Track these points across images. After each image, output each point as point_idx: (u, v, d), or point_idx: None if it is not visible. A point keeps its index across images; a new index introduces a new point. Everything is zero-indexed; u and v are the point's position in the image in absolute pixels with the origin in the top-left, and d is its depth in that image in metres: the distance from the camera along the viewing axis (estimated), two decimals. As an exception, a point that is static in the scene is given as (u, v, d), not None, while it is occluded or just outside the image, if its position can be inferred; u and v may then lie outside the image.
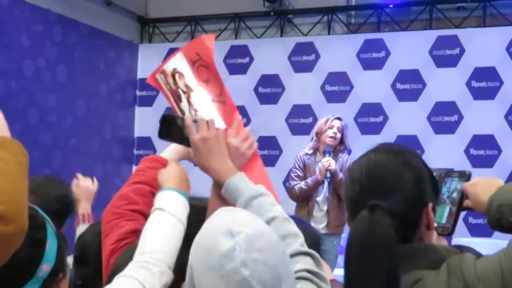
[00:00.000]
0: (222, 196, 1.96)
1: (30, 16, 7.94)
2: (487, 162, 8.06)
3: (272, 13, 9.35)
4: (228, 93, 2.35)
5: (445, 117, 8.38)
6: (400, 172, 1.79)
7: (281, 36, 9.38)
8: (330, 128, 6.46)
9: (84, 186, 3.84)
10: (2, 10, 7.57)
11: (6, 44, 7.61)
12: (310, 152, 6.52)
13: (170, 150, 2.53)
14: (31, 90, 7.90)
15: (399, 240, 1.67)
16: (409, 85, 8.55)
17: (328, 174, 6.28)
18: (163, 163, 2.45)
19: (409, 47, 8.56)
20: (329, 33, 9.15)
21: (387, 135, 8.28)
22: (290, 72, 9.07)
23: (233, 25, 9.57)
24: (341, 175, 6.25)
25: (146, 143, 9.57)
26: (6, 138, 1.54)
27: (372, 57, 8.75)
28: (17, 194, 1.45)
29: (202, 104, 2.32)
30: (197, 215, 2.04)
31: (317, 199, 6.45)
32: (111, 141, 9.35)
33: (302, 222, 1.96)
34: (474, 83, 8.28)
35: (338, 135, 6.46)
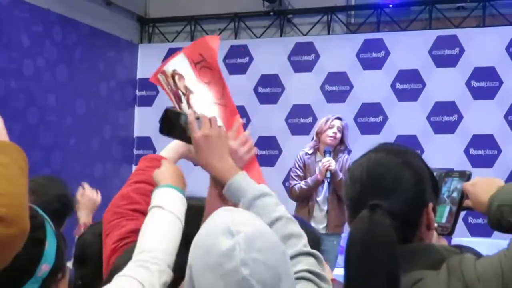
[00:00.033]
0: (221, 195, 1.94)
1: (30, 16, 7.94)
2: (487, 162, 8.06)
3: (271, 13, 9.35)
4: (230, 96, 2.33)
5: (444, 117, 8.38)
6: (400, 172, 1.80)
7: (281, 36, 9.38)
8: (330, 127, 6.46)
9: (88, 196, 3.87)
10: (2, 10, 7.57)
11: (6, 44, 7.61)
12: (310, 151, 6.52)
13: (169, 149, 2.53)
14: (31, 90, 7.90)
15: (399, 240, 1.67)
16: (408, 85, 8.55)
17: (328, 174, 6.28)
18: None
19: (409, 47, 8.56)
20: (328, 33, 9.15)
21: (387, 135, 8.28)
22: (290, 72, 9.07)
23: (233, 25, 9.57)
24: (341, 175, 6.25)
25: (145, 143, 9.57)
26: (6, 142, 1.54)
27: (371, 57, 8.75)
28: (18, 197, 1.45)
29: (201, 106, 2.28)
30: (196, 215, 2.04)
31: (317, 199, 6.44)
32: (111, 141, 9.35)
33: (302, 222, 1.96)
34: (474, 83, 8.28)
35: (338, 135, 6.46)
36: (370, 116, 8.65)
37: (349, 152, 6.68)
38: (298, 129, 8.82)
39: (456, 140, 8.27)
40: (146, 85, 9.74)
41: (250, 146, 2.15)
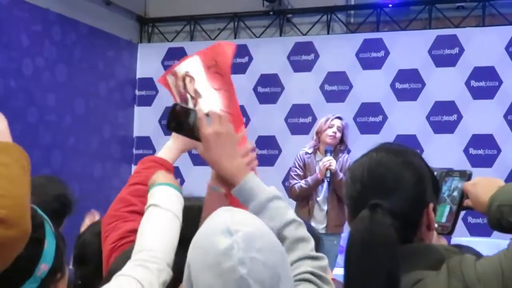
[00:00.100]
0: (227, 194, 1.93)
1: (30, 16, 7.94)
2: (486, 161, 8.06)
3: (271, 13, 9.35)
4: (238, 105, 2.31)
5: (444, 117, 8.38)
6: (401, 172, 1.79)
7: (280, 35, 9.38)
8: (330, 127, 6.46)
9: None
10: (2, 10, 7.57)
11: (6, 43, 7.60)
12: (310, 151, 6.52)
13: (166, 148, 2.53)
14: (30, 90, 7.90)
15: (400, 240, 1.67)
16: (408, 84, 8.55)
17: (328, 174, 6.28)
18: (160, 163, 2.46)
19: (408, 47, 8.56)
20: (328, 33, 9.15)
21: (386, 135, 8.28)
22: (289, 72, 9.07)
23: (232, 25, 9.57)
24: (341, 175, 6.25)
25: (145, 143, 9.57)
26: (8, 143, 1.54)
27: (371, 57, 8.75)
28: (19, 198, 1.45)
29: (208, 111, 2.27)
30: (195, 214, 2.04)
31: (317, 199, 6.44)
32: (110, 140, 9.35)
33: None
34: (474, 83, 8.29)
35: (338, 134, 6.45)
36: (370, 116, 8.65)
37: (348, 152, 6.69)
38: (297, 129, 8.82)
39: (456, 139, 8.27)
40: (146, 84, 9.75)
41: (251, 158, 2.11)
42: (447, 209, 1.99)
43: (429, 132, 8.39)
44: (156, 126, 9.57)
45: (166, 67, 9.52)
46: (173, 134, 2.53)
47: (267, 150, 8.78)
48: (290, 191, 6.49)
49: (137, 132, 9.78)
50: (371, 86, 8.64)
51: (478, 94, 8.23)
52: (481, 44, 8.26)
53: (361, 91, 8.70)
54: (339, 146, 6.50)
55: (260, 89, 9.16)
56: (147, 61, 9.79)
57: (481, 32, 8.39)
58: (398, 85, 8.58)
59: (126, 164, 9.44)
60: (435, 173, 1.92)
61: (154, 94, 9.70)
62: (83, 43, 8.78)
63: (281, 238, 1.76)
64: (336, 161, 6.35)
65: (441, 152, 7.86)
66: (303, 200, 6.44)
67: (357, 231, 1.69)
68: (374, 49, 8.74)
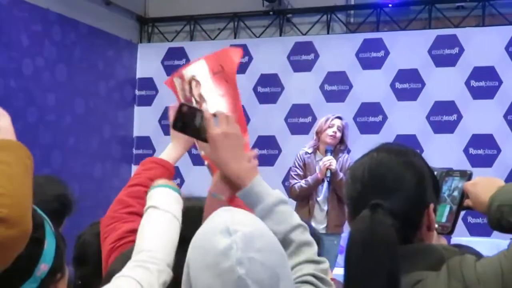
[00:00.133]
0: (232, 196, 1.91)
1: (30, 16, 7.93)
2: (486, 161, 8.06)
3: (271, 13, 9.34)
4: (242, 112, 2.30)
5: (444, 117, 8.38)
6: (402, 172, 1.79)
7: (280, 35, 9.38)
8: (330, 127, 6.46)
9: None
10: (2, 10, 7.57)
11: (5, 43, 7.60)
12: (310, 151, 6.52)
13: (169, 149, 2.53)
14: (30, 90, 7.89)
15: (400, 241, 1.67)
16: (408, 84, 8.55)
17: (328, 173, 6.27)
18: (160, 164, 2.47)
19: (408, 47, 8.56)
20: (328, 33, 9.14)
21: (386, 135, 8.28)
22: (289, 72, 9.07)
23: (232, 25, 9.57)
24: (341, 175, 6.24)
25: (145, 143, 9.57)
26: (11, 141, 1.54)
27: (371, 57, 8.75)
28: (21, 197, 1.44)
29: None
30: (196, 215, 2.03)
31: (318, 199, 6.43)
32: (110, 140, 9.34)
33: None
34: (473, 83, 8.28)
35: (338, 134, 6.45)
36: (370, 116, 8.65)
37: (348, 152, 6.69)
38: (297, 129, 8.82)
39: (456, 139, 8.27)
40: (146, 84, 9.75)
41: (254, 165, 2.10)
42: (447, 209, 1.99)
43: (429, 132, 8.39)
44: (156, 126, 9.57)
45: (166, 67, 9.54)
46: (172, 134, 2.53)
47: (267, 150, 8.78)
48: (290, 191, 6.48)
49: (137, 132, 9.78)
50: (371, 86, 8.64)
51: (478, 94, 8.23)
52: (481, 44, 8.26)
53: (361, 91, 8.69)
54: (339, 146, 6.50)
55: (260, 89, 9.15)
56: (147, 61, 9.79)
57: (481, 32, 8.39)
58: (398, 85, 8.58)
59: (126, 164, 9.44)
60: (435, 173, 1.92)
61: (154, 94, 9.70)
62: (83, 43, 8.78)
63: (287, 241, 1.77)
64: (336, 161, 6.34)
65: (441, 152, 7.86)
66: (303, 200, 6.43)
67: (357, 231, 1.69)
68: (374, 49, 8.73)
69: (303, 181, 6.40)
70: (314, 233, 1.98)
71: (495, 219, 1.79)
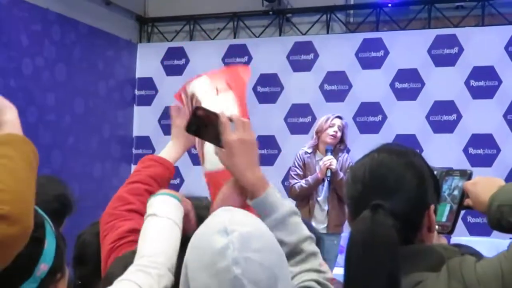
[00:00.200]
0: (244, 203, 1.88)
1: (29, 15, 7.93)
2: (486, 161, 8.06)
3: (270, 12, 9.35)
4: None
5: (443, 116, 8.38)
6: (403, 173, 1.79)
7: (280, 35, 9.38)
8: (330, 126, 6.44)
9: None
10: (1, 9, 7.57)
11: (5, 43, 7.60)
12: (310, 150, 6.50)
13: (170, 147, 2.53)
14: (30, 89, 7.89)
15: (400, 241, 1.66)
16: (407, 84, 8.55)
17: (329, 173, 6.26)
18: (160, 162, 2.46)
19: (408, 46, 8.56)
20: (327, 32, 9.14)
21: (386, 135, 8.28)
22: (289, 71, 9.07)
23: (232, 24, 9.57)
24: (341, 174, 6.24)
25: (144, 142, 9.57)
26: (16, 135, 1.53)
27: (370, 56, 8.75)
28: (23, 193, 1.44)
29: None
30: (196, 214, 2.04)
31: (318, 198, 6.42)
32: (110, 140, 9.34)
33: (303, 222, 1.95)
34: (473, 82, 8.28)
35: (339, 134, 6.45)
36: (369, 116, 8.65)
37: (348, 151, 6.68)
38: (297, 129, 8.82)
39: (455, 139, 8.27)
40: (145, 84, 9.75)
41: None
42: (448, 208, 1.98)
43: (428, 131, 8.39)
44: (155, 125, 9.57)
45: (165, 67, 9.55)
46: (173, 133, 2.53)
47: (267, 150, 8.78)
48: (290, 191, 6.47)
49: (137, 131, 9.78)
50: (370, 85, 8.64)
51: (478, 93, 8.23)
52: (481, 43, 8.26)
53: (360, 90, 8.70)
54: (339, 145, 6.49)
55: (259, 88, 9.15)
56: (147, 61, 9.79)
57: (481, 32, 8.39)
58: (397, 85, 8.58)
59: (125, 163, 9.44)
60: (435, 172, 1.92)
61: (153, 94, 9.70)
62: (82, 42, 8.78)
63: (298, 250, 1.78)
64: (336, 161, 6.33)
65: (441, 152, 7.86)
66: (303, 199, 6.42)
67: (358, 232, 1.68)
68: (374, 49, 8.73)
69: (303, 181, 6.39)
70: (314, 233, 1.97)
71: (495, 219, 1.79)
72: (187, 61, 9.55)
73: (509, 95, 8.09)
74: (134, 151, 9.68)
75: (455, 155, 8.04)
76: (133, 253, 2.04)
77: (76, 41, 8.67)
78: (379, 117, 8.62)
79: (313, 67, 8.97)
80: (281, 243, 1.71)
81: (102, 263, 2.30)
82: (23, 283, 1.62)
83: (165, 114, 9.54)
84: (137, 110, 9.82)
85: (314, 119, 8.33)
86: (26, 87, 7.84)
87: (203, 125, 1.88)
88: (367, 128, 8.52)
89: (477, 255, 1.79)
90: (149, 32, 10.06)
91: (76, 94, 8.67)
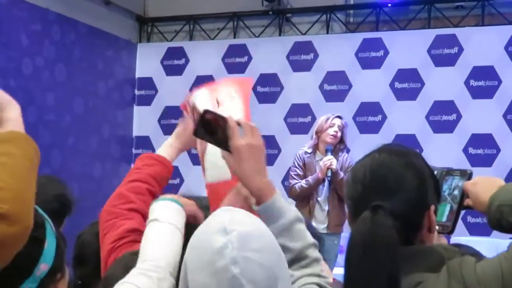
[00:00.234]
0: (249, 207, 1.87)
1: (29, 15, 7.93)
2: (486, 161, 8.06)
3: (270, 12, 9.34)
4: None
5: (443, 116, 8.38)
6: (403, 173, 1.79)
7: (280, 35, 9.38)
8: (331, 126, 6.43)
9: None
10: (1, 9, 7.57)
11: (5, 43, 7.60)
12: (310, 150, 6.49)
13: (166, 146, 2.53)
14: (29, 89, 7.89)
15: (401, 242, 1.66)
16: (407, 84, 8.55)
17: (329, 173, 6.25)
18: (159, 161, 2.46)
19: (408, 46, 8.56)
20: (327, 32, 9.14)
21: (386, 134, 8.28)
22: (289, 71, 9.07)
23: (232, 24, 9.57)
24: (342, 174, 6.23)
25: (144, 142, 9.56)
26: (17, 132, 1.53)
27: (370, 56, 8.75)
28: (23, 192, 1.43)
29: (212, 149, 2.12)
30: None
31: (318, 198, 6.41)
32: (110, 140, 9.34)
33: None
34: (473, 82, 8.28)
35: (339, 134, 6.44)
36: (369, 116, 8.65)
37: (348, 151, 6.68)
38: (297, 128, 8.82)
39: (455, 139, 8.27)
40: (145, 84, 9.75)
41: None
42: (448, 208, 1.98)
43: (428, 131, 8.39)
44: (155, 125, 9.57)
45: (165, 67, 9.55)
46: (175, 132, 2.53)
47: (266, 150, 8.70)
48: (290, 191, 6.45)
49: (137, 131, 9.78)
50: (370, 85, 8.64)
51: (478, 93, 8.23)
52: (480, 43, 8.26)
53: (360, 90, 8.69)
54: (339, 145, 6.48)
55: (259, 88, 9.15)
56: (147, 61, 9.79)
57: (480, 32, 8.39)
58: (397, 85, 8.58)
59: (125, 163, 9.43)
60: (436, 172, 1.92)
61: (153, 94, 9.70)
62: (82, 42, 8.78)
63: (302, 256, 1.78)
64: (336, 161, 6.33)
65: (441, 152, 7.86)
66: (304, 200, 6.40)
67: (358, 232, 1.68)
68: (374, 49, 8.73)
69: (303, 181, 6.37)
70: (314, 233, 1.98)
71: (495, 219, 1.79)
72: (187, 61, 9.56)
73: (508, 95, 8.09)
74: (134, 151, 9.67)
75: (455, 155, 8.04)
76: (133, 254, 2.04)
77: (75, 41, 8.67)
78: (379, 117, 8.62)
79: (313, 67, 8.96)
80: (286, 249, 1.73)
81: (102, 263, 2.30)
82: (23, 283, 1.62)
83: (165, 114, 9.55)
84: (137, 110, 9.82)
85: (314, 119, 8.32)
86: (26, 87, 7.84)
87: (211, 129, 1.86)
88: (367, 128, 8.52)
89: (477, 255, 1.79)
90: (149, 32, 10.06)
91: (76, 94, 8.67)
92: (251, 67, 9.21)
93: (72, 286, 2.61)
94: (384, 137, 8.14)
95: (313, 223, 6.04)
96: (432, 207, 1.80)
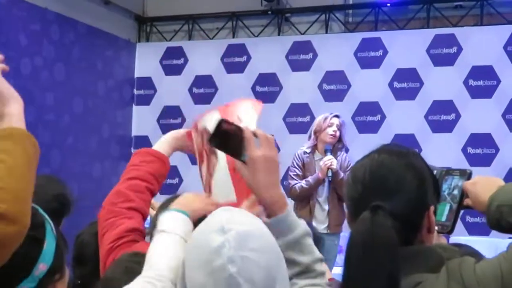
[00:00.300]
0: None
1: (28, 15, 7.92)
2: (485, 160, 8.07)
3: (269, 12, 9.34)
4: None
5: (442, 116, 8.38)
6: (403, 174, 1.78)
7: (279, 35, 9.38)
8: (329, 126, 6.40)
9: None
10: (0, 9, 7.56)
11: (4, 42, 7.59)
12: (309, 150, 6.47)
13: (162, 142, 2.53)
14: (28, 89, 7.87)
15: (400, 242, 1.66)
16: (406, 83, 8.55)
17: (330, 173, 6.23)
18: (157, 156, 2.46)
19: (407, 46, 8.56)
20: (326, 32, 9.15)
21: (385, 134, 8.28)
22: (288, 71, 9.06)
23: (231, 24, 9.56)
24: (342, 174, 6.21)
25: (143, 142, 9.54)
26: (16, 129, 1.52)
27: (369, 56, 8.75)
28: (21, 191, 1.43)
29: (218, 171, 2.13)
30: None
31: (319, 198, 6.39)
32: (109, 139, 9.34)
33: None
34: (472, 82, 8.29)
35: (338, 133, 6.42)
36: (368, 115, 8.65)
37: (346, 151, 6.67)
38: (296, 128, 8.81)
39: (454, 139, 8.27)
40: (144, 84, 9.74)
41: (257, 211, 2.03)
42: (447, 207, 1.98)
43: (427, 131, 8.39)
44: (154, 125, 9.56)
45: (164, 67, 9.55)
46: (176, 133, 2.53)
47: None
48: (290, 192, 6.34)
49: (136, 131, 9.78)
50: (369, 85, 8.64)
51: (476, 93, 8.23)
52: (479, 43, 8.26)
53: (359, 90, 8.69)
54: (337, 144, 6.45)
55: (258, 88, 9.15)
56: (146, 61, 9.78)
57: (479, 31, 8.39)
58: (396, 84, 8.58)
59: (124, 163, 9.28)
60: (435, 171, 1.92)
61: (152, 93, 9.70)
62: (81, 42, 8.77)
63: (310, 269, 1.78)
64: (336, 160, 6.31)
65: (440, 151, 7.86)
66: (304, 200, 6.37)
67: (358, 233, 1.68)
68: (372, 48, 8.73)
69: (303, 181, 6.34)
70: (314, 233, 1.97)
71: (494, 219, 1.79)
72: (186, 60, 9.55)
73: (507, 95, 8.10)
74: (133, 150, 9.66)
75: (453, 154, 8.04)
76: (132, 255, 2.05)
77: (75, 41, 8.67)
78: (378, 117, 8.62)
79: (312, 67, 8.96)
80: (295, 262, 1.74)
81: (101, 263, 2.29)
82: (21, 282, 1.62)
83: (164, 114, 9.55)
84: (136, 109, 9.82)
85: (313, 118, 8.31)
86: (25, 87, 7.82)
87: (226, 138, 1.84)
88: (366, 127, 8.52)
89: (477, 255, 1.79)
90: (148, 31, 10.06)
91: (75, 94, 8.66)
92: (250, 66, 9.21)
93: (72, 286, 2.61)
94: (383, 136, 8.15)
95: (314, 223, 6.03)
96: (432, 208, 1.79)
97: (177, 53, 9.60)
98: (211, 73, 9.30)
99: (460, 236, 6.34)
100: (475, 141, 8.19)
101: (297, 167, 6.44)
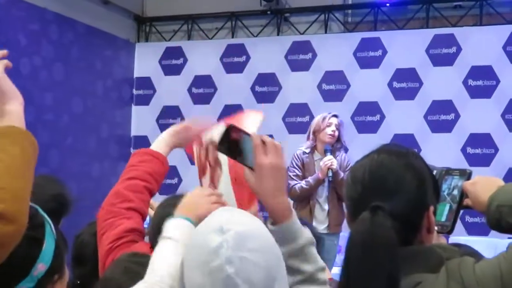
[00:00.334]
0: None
1: (27, 15, 7.92)
2: (484, 160, 8.07)
3: (268, 12, 9.34)
4: None
5: (441, 116, 8.38)
6: (402, 174, 1.78)
7: (278, 34, 9.37)
8: (328, 125, 6.41)
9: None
10: (-1, 9, 7.56)
11: (3, 42, 7.57)
12: (308, 150, 6.46)
13: (160, 141, 2.53)
14: (27, 89, 7.86)
15: (400, 243, 1.66)
16: (405, 83, 8.55)
17: (330, 173, 6.23)
18: (155, 156, 2.46)
19: (406, 46, 8.56)
20: (325, 32, 9.14)
21: (384, 134, 8.28)
22: (287, 71, 9.06)
23: (230, 24, 9.56)
24: (342, 174, 6.21)
25: (142, 142, 9.53)
26: (14, 127, 1.52)
27: (368, 56, 8.75)
28: (19, 191, 1.42)
29: (223, 183, 2.14)
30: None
31: (319, 198, 6.38)
32: (108, 139, 9.34)
33: (303, 223, 1.95)
34: (471, 82, 8.29)
35: (337, 133, 6.42)
36: (367, 115, 8.65)
37: (346, 150, 6.67)
38: (295, 128, 8.81)
39: (453, 139, 8.27)
40: (143, 84, 9.74)
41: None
42: (447, 207, 1.98)
43: (426, 131, 8.39)
44: (153, 125, 9.56)
45: (163, 67, 9.54)
46: (172, 130, 2.53)
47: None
48: (290, 192, 6.27)
49: (135, 131, 9.77)
50: (368, 85, 8.64)
51: (476, 93, 8.23)
52: (479, 43, 8.26)
53: (358, 90, 8.69)
54: (336, 144, 6.45)
55: (257, 88, 9.15)
56: (145, 60, 9.78)
57: (479, 31, 8.39)
58: (395, 84, 8.58)
59: (124, 163, 9.26)
60: (435, 171, 1.91)
61: (151, 93, 9.69)
62: (80, 42, 8.77)
63: (314, 278, 1.79)
64: (336, 160, 6.30)
65: (439, 151, 7.85)
66: (303, 200, 6.37)
67: (357, 233, 1.68)
68: (372, 48, 8.73)
69: (303, 181, 6.33)
70: (314, 233, 1.97)
71: (494, 219, 1.79)
72: (185, 60, 9.55)
73: (507, 95, 8.10)
74: (132, 150, 9.66)
75: (453, 154, 8.04)
76: (131, 255, 2.04)
77: (74, 41, 8.66)
78: (377, 117, 8.62)
79: (311, 67, 8.96)
80: (298, 271, 1.75)
81: (100, 263, 2.29)
82: (20, 282, 1.62)
83: (163, 114, 9.55)
84: (135, 109, 9.81)
85: (312, 118, 8.27)
86: (24, 87, 7.74)
87: (235, 144, 1.85)
88: (365, 127, 8.52)
89: (477, 255, 1.79)
90: (147, 31, 10.05)
91: (74, 94, 8.66)
92: (249, 66, 9.21)
93: (71, 286, 2.60)
94: (382, 136, 8.15)
95: (314, 223, 6.02)
96: (431, 208, 1.79)
97: (176, 53, 9.60)
98: (211, 73, 9.29)
99: (459, 236, 6.34)
100: (474, 141, 8.19)
101: (296, 167, 6.43)
